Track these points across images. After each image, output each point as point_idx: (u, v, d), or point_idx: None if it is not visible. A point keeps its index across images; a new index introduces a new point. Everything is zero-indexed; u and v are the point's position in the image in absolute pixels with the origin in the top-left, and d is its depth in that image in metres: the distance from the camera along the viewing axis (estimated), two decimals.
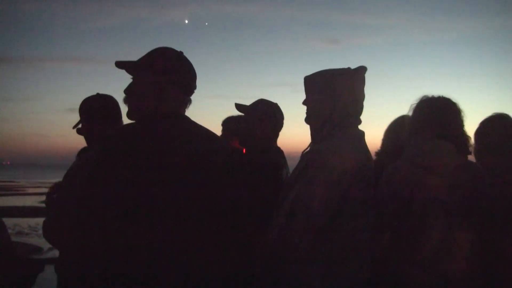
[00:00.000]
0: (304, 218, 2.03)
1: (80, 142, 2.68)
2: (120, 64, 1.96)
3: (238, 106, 3.03)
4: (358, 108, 2.26)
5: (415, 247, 2.22)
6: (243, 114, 3.07)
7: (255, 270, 2.11)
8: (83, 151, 2.67)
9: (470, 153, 2.39)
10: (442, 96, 2.41)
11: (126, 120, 2.02)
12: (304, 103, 2.34)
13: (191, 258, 1.74)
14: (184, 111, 1.98)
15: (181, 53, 1.99)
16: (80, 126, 2.65)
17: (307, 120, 2.33)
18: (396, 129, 2.90)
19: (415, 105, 2.45)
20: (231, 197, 1.86)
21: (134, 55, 2.03)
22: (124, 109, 2.32)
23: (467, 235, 2.23)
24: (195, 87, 2.02)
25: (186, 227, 1.75)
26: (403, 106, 2.49)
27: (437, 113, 2.36)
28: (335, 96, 2.21)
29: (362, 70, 2.26)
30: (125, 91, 1.98)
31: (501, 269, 2.27)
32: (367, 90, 2.30)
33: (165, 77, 1.91)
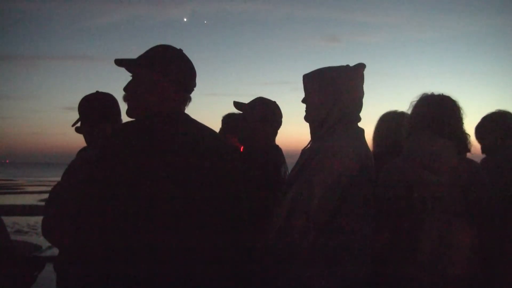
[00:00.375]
0: (303, 218, 2.03)
1: (79, 140, 2.68)
2: (119, 62, 1.95)
3: (237, 104, 3.02)
4: (357, 105, 2.25)
5: (414, 247, 2.22)
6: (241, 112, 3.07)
7: (255, 270, 2.10)
8: (83, 150, 2.66)
9: (469, 151, 2.38)
10: (442, 94, 2.41)
11: (125, 118, 2.01)
12: (303, 101, 2.33)
13: (191, 258, 1.74)
14: (184, 109, 1.97)
15: (180, 50, 1.98)
16: (79, 124, 2.64)
17: (307, 118, 2.32)
18: (388, 126, 2.89)
19: (415, 102, 2.45)
20: (232, 196, 1.85)
21: (134, 53, 2.02)
22: (123, 107, 2.31)
23: (467, 234, 2.22)
24: (194, 85, 2.01)
25: (187, 227, 1.74)
26: (404, 104, 2.49)
27: (437, 111, 2.35)
28: (334, 93, 2.21)
29: (361, 67, 2.25)
30: (125, 89, 1.97)
31: (501, 269, 2.26)
32: (368, 88, 2.30)
33: (165, 74, 1.90)
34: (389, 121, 2.92)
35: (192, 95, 2.01)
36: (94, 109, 2.58)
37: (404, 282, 2.20)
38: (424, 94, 2.43)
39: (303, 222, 2.02)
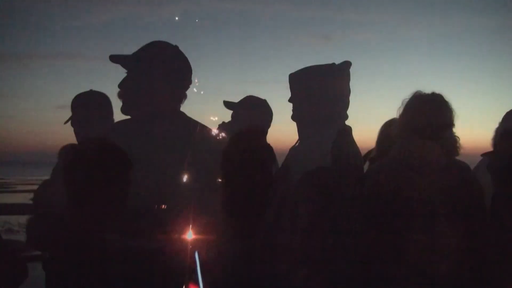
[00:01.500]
0: (291, 218, 2.03)
1: (70, 139, 2.66)
2: (114, 58, 1.94)
3: (227, 104, 3.02)
4: (344, 103, 2.25)
5: (401, 247, 2.22)
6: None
7: (252, 270, 2.10)
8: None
9: (457, 154, 2.37)
10: (434, 95, 2.38)
11: (119, 115, 2.01)
12: (290, 100, 2.33)
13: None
14: (180, 106, 1.97)
15: (176, 47, 1.97)
16: (71, 121, 2.64)
17: (294, 117, 2.32)
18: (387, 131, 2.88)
19: (406, 100, 2.43)
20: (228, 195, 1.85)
21: (126, 52, 2.01)
22: (118, 104, 2.30)
23: (453, 236, 2.22)
24: (190, 82, 2.00)
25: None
26: (397, 103, 2.47)
27: (427, 113, 2.34)
28: (320, 92, 2.21)
29: (346, 65, 2.25)
30: (120, 86, 1.96)
31: (486, 270, 2.27)
32: (360, 87, 2.31)
33: (161, 71, 1.90)
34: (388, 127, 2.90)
35: (188, 93, 2.01)
36: (88, 107, 2.57)
37: (391, 282, 2.21)
38: (417, 92, 2.39)
39: (289, 224, 2.02)
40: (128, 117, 2.03)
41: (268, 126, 3.02)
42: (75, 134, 2.63)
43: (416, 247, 2.20)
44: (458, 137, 2.37)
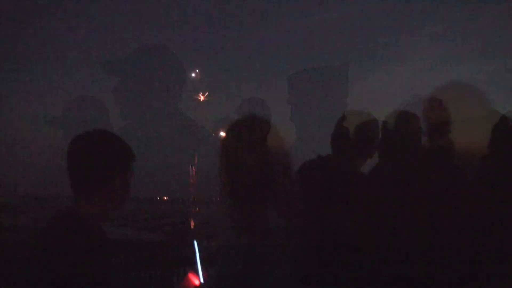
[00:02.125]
0: (287, 219, 2.04)
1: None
2: (105, 65, 1.94)
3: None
4: (341, 104, 2.27)
5: (399, 248, 2.22)
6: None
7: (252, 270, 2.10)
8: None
9: (453, 159, 2.38)
10: (433, 98, 2.39)
11: (117, 120, 2.01)
12: (289, 101, 2.34)
13: None
14: (178, 105, 1.98)
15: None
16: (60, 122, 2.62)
17: (292, 118, 2.33)
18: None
19: (405, 103, 2.44)
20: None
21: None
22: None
23: (448, 237, 2.23)
24: (184, 81, 2.01)
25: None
26: (395, 105, 2.48)
27: (424, 116, 2.35)
28: (318, 93, 2.22)
29: (345, 67, 2.26)
30: (114, 92, 1.97)
31: (486, 269, 2.28)
32: (357, 88, 2.31)
33: (152, 73, 1.90)
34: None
35: (187, 92, 2.01)
36: (86, 111, 2.57)
37: (391, 282, 2.21)
38: (416, 95, 2.41)
39: (288, 222, 2.03)
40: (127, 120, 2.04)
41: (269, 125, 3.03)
42: (65, 135, 2.61)
43: (415, 247, 2.21)
44: (454, 142, 2.38)
